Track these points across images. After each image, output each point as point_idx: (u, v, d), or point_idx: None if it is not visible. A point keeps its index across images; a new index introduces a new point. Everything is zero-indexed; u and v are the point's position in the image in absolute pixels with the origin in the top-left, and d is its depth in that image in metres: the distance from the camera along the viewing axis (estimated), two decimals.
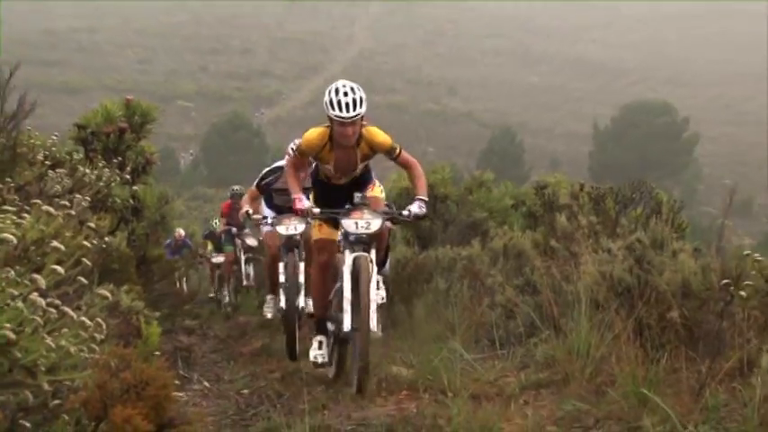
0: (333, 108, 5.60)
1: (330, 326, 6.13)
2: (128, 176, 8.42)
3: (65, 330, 3.15)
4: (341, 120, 5.60)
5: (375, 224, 5.69)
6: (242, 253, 14.13)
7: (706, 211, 48.95)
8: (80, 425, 2.97)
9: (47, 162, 6.87)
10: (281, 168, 7.93)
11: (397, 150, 5.92)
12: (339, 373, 6.12)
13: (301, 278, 7.82)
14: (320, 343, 6.17)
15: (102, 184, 7.46)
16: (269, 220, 8.04)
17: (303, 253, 7.87)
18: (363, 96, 5.64)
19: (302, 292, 7.77)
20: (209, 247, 17.12)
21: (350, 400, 5.39)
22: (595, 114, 78.88)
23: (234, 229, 14.13)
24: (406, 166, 6.07)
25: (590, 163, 69.91)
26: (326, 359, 6.13)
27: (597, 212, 7.86)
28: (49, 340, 3.02)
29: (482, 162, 55.71)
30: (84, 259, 3.53)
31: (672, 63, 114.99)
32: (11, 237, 3.31)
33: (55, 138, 7.84)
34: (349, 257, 5.68)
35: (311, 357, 6.16)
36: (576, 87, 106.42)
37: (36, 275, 3.11)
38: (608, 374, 4.75)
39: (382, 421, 4.68)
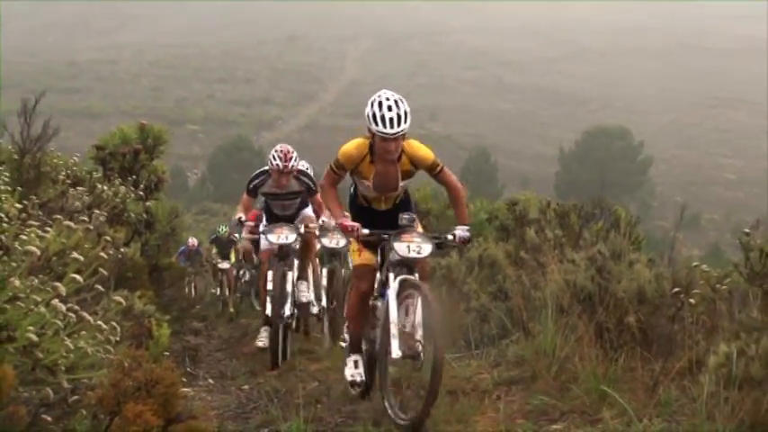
0: (376, 123, 4.78)
1: (362, 344, 5.32)
2: (141, 193, 8.42)
3: (83, 333, 3.15)
4: (384, 135, 4.81)
5: (426, 249, 4.85)
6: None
7: (659, 226, 49.06)
8: (96, 419, 2.96)
9: (68, 180, 6.87)
10: (266, 172, 7.33)
11: (440, 167, 5.11)
12: (368, 391, 5.26)
13: (289, 288, 7.16)
14: (356, 362, 5.25)
15: (118, 199, 7.46)
16: (260, 228, 7.53)
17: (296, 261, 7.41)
18: (408, 110, 4.84)
19: (289, 301, 7.14)
20: (214, 251, 16.97)
21: (340, 394, 5.37)
22: (561, 138, 79.27)
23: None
24: (448, 186, 5.24)
25: (556, 182, 70.04)
26: (363, 378, 5.20)
27: (562, 226, 7.85)
28: (68, 342, 3.01)
29: (460, 180, 55.52)
30: (101, 269, 3.52)
31: (629, 92, 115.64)
32: (35, 249, 3.30)
33: (76, 158, 7.84)
34: (394, 281, 4.78)
35: (348, 377, 5.23)
36: (543, 114, 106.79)
37: (57, 283, 3.10)
38: (571, 372, 4.75)
39: (369, 414, 4.69)
